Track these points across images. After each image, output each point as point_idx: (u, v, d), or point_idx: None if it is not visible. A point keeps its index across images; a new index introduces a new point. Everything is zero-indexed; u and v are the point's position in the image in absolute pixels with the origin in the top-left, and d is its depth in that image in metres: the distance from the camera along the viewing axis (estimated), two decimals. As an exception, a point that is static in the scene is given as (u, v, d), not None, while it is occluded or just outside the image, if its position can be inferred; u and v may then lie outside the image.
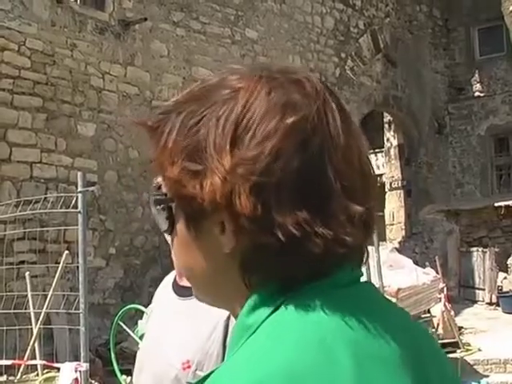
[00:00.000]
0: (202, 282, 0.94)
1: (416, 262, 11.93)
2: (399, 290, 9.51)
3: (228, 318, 1.65)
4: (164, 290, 1.95)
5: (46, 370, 6.98)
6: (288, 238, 0.83)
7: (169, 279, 2.02)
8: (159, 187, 0.94)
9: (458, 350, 10.59)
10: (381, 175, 20.99)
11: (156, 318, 1.95)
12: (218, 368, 0.85)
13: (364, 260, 0.93)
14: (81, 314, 5.88)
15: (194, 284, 0.96)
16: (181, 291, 1.82)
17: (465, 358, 10.29)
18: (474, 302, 15.63)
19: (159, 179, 1.12)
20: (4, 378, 7.26)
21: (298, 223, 0.83)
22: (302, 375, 0.77)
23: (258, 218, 0.83)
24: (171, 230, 0.93)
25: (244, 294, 0.89)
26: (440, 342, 10.15)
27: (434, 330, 10.47)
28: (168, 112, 0.93)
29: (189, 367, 1.68)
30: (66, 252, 7.53)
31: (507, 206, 17.23)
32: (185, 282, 1.78)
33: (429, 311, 10.87)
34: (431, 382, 0.86)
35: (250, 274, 0.87)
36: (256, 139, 0.85)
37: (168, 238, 0.97)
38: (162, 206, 0.92)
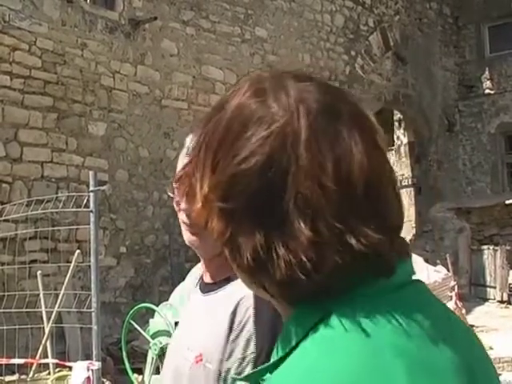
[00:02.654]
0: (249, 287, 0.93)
1: (427, 260, 11.92)
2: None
3: (234, 311, 1.68)
4: (192, 286, 1.98)
5: (57, 369, 7.00)
6: (253, 261, 0.83)
7: (194, 272, 2.05)
8: None
9: (470, 349, 10.56)
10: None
11: (184, 315, 1.99)
12: (274, 376, 0.84)
13: (409, 254, 0.90)
14: (93, 313, 5.90)
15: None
16: (204, 287, 1.84)
17: (476, 356, 10.25)
18: (485, 300, 15.58)
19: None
20: (16, 376, 7.28)
21: (254, 247, 0.83)
22: None
23: (227, 242, 0.85)
24: None
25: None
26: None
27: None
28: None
29: (201, 360, 1.71)
30: (78, 251, 7.55)
31: (518, 204, 17.19)
32: (208, 279, 1.80)
33: (440, 309, 10.83)
34: None
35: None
36: (227, 161, 0.85)
37: None
38: None
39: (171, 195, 1.87)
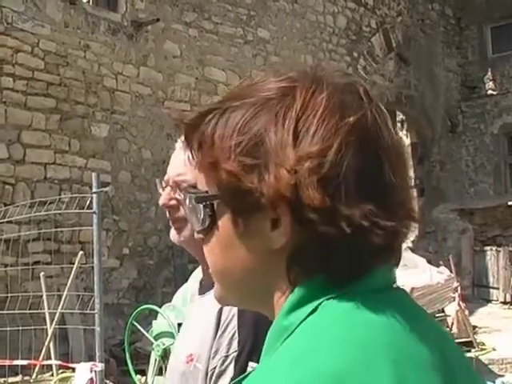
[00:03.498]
0: (239, 281, 0.93)
1: (430, 261, 11.92)
2: (413, 289, 9.49)
3: (219, 310, 1.70)
4: (194, 287, 2.01)
5: (61, 370, 7.02)
6: (353, 229, 0.84)
7: (197, 273, 2.07)
8: (194, 186, 0.95)
9: (473, 350, 10.56)
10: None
11: (187, 316, 2.02)
12: (256, 369, 0.86)
13: (399, 260, 0.94)
14: (96, 314, 5.91)
15: (226, 284, 0.96)
16: (201, 289, 1.88)
17: (479, 357, 10.25)
18: (488, 301, 15.57)
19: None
20: (19, 377, 7.30)
21: (364, 214, 0.84)
22: (343, 376, 0.78)
23: (326, 210, 0.84)
24: (210, 228, 0.92)
25: (282, 293, 0.90)
26: (454, 341, 10.12)
27: (448, 329, 10.45)
28: (210, 111, 0.93)
29: (191, 360, 1.74)
30: (81, 252, 7.57)
31: (521, 205, 17.17)
32: (206, 279, 1.82)
33: (443, 310, 10.85)
34: None
35: (297, 270, 0.88)
36: (318, 135, 0.86)
37: (197, 236, 0.96)
38: (203, 203, 0.92)
39: (161, 192, 1.91)
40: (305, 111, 0.88)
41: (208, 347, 1.69)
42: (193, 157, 0.94)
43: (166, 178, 1.93)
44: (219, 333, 1.68)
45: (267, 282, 0.91)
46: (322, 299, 0.85)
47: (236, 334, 1.65)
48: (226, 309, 1.68)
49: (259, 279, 0.91)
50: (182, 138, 1.69)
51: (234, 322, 1.66)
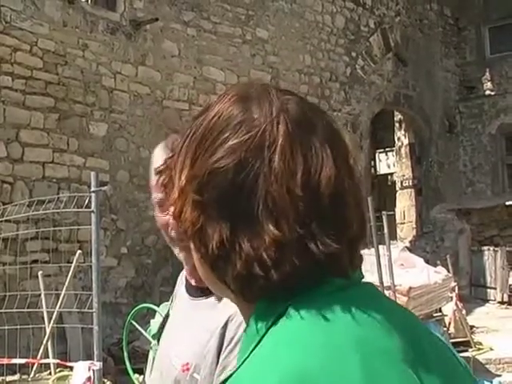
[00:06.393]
0: (215, 290, 0.99)
1: (427, 261, 11.91)
2: (411, 288, 9.50)
3: (224, 326, 1.67)
4: (180, 288, 1.97)
5: (59, 369, 7.01)
6: (218, 251, 0.88)
7: (184, 275, 2.04)
8: None
9: (470, 349, 10.57)
10: (391, 174, 20.99)
11: (172, 316, 1.97)
12: (228, 377, 0.88)
13: (356, 265, 0.95)
14: (94, 313, 5.91)
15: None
16: (191, 291, 1.84)
17: (476, 357, 10.26)
18: (486, 300, 15.58)
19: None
20: (17, 376, 7.29)
21: (220, 239, 0.88)
22: (313, 375, 0.79)
23: (196, 232, 0.90)
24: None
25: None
26: (452, 341, 10.14)
27: (445, 328, 10.46)
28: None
29: (187, 369, 1.70)
30: (79, 251, 7.57)
31: (518, 205, 17.19)
32: (194, 282, 1.80)
33: (440, 310, 10.85)
34: (432, 375, 0.88)
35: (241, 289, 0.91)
36: (205, 158, 0.90)
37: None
38: None
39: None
40: (204, 139, 0.93)
41: (210, 363, 1.66)
42: None
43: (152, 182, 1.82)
44: (226, 350, 1.65)
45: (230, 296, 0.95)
46: (286, 305, 0.87)
47: (237, 361, 1.61)
48: (231, 326, 1.65)
49: (228, 294, 0.95)
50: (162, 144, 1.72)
51: None
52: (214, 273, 0.92)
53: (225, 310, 1.62)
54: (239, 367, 0.87)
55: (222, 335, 1.66)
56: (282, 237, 0.86)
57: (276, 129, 0.89)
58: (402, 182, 18.83)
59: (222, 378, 1.60)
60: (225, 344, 1.65)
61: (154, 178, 1.73)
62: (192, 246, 0.93)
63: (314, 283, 0.88)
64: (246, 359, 0.87)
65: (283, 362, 0.80)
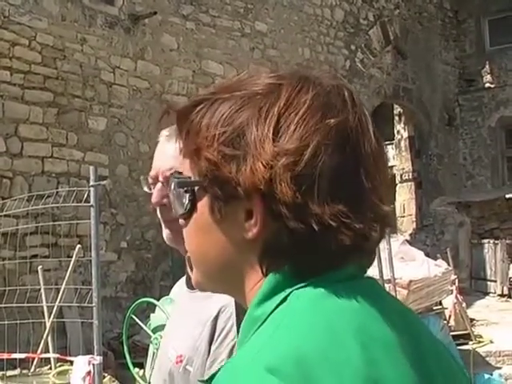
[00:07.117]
0: (214, 267, 0.96)
1: (427, 254, 11.91)
2: (411, 281, 9.50)
3: (216, 317, 1.66)
4: (181, 282, 1.96)
5: (59, 364, 7.02)
6: (321, 228, 0.87)
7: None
8: (180, 172, 0.98)
9: (470, 342, 10.58)
10: (391, 167, 20.96)
11: (173, 309, 1.97)
12: (230, 359, 0.89)
13: (372, 261, 0.99)
14: (94, 308, 5.91)
15: (202, 269, 0.99)
16: (190, 283, 1.80)
17: (477, 349, 10.28)
18: (486, 293, 15.60)
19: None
20: (18, 371, 7.30)
21: (334, 214, 0.87)
22: (312, 359, 0.80)
23: (296, 206, 0.87)
24: (190, 213, 0.96)
25: (254, 283, 0.93)
26: (452, 333, 10.16)
27: (445, 321, 10.47)
28: (201, 101, 0.97)
29: (181, 361, 1.70)
30: (79, 246, 7.57)
31: (518, 198, 17.18)
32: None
33: (440, 303, 10.86)
34: (429, 369, 0.90)
35: (268, 261, 0.91)
36: (297, 134, 0.89)
37: (181, 222, 0.99)
38: (185, 188, 0.95)
39: (148, 191, 1.81)
40: (287, 109, 0.91)
41: (202, 354, 1.66)
42: (181, 144, 0.98)
43: (153, 173, 1.79)
44: (217, 342, 1.65)
45: (240, 271, 0.94)
46: (291, 289, 0.88)
47: (236, 346, 1.61)
48: (222, 317, 1.65)
49: (233, 267, 0.94)
50: (165, 131, 1.70)
51: (234, 333, 1.62)
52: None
53: (218, 300, 1.60)
54: (240, 348, 0.88)
55: (213, 326, 1.66)
56: (386, 212, 0.92)
57: (362, 115, 0.94)
58: (401, 176, 18.83)
59: (213, 369, 1.61)
60: (216, 334, 1.65)
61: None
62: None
63: (324, 270, 0.89)
64: (247, 341, 0.87)
65: (282, 346, 0.82)
